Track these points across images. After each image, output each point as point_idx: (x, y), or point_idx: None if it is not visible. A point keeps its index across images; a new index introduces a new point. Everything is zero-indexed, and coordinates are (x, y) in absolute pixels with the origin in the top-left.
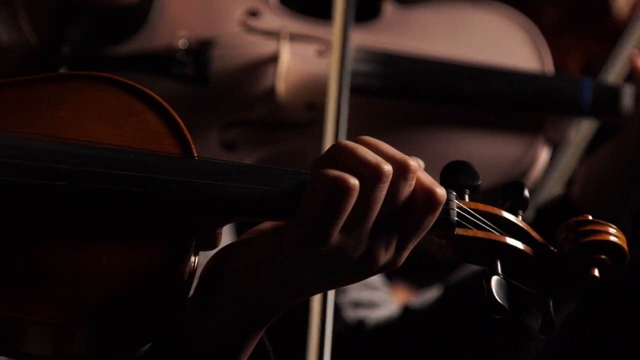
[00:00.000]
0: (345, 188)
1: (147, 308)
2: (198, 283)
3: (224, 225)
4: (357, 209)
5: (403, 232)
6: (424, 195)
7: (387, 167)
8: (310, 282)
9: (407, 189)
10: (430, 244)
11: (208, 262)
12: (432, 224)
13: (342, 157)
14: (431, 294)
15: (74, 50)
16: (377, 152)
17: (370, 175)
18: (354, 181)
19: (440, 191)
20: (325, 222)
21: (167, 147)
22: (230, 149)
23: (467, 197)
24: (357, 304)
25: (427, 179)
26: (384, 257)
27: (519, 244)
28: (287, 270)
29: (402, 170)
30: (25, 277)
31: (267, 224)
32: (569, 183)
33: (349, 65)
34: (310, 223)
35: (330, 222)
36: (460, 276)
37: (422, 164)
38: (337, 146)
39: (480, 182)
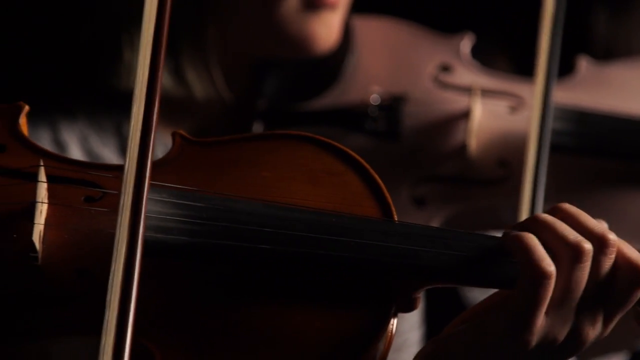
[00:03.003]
0: (542, 275)
1: None
2: None
3: (423, 288)
4: (560, 291)
5: (608, 307)
6: (629, 270)
7: (587, 246)
8: None
9: (608, 263)
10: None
11: (421, 350)
12: (638, 297)
13: (540, 233)
14: (617, 359)
15: (268, 105)
16: (576, 225)
17: (570, 255)
18: (551, 268)
19: None
20: (528, 309)
21: (367, 209)
22: (421, 204)
23: None
24: None
25: (630, 252)
26: (592, 332)
27: None
28: None
29: (602, 245)
30: (223, 340)
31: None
32: None
33: (550, 124)
34: (512, 312)
35: (533, 309)
36: None
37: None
38: (535, 220)
39: None
